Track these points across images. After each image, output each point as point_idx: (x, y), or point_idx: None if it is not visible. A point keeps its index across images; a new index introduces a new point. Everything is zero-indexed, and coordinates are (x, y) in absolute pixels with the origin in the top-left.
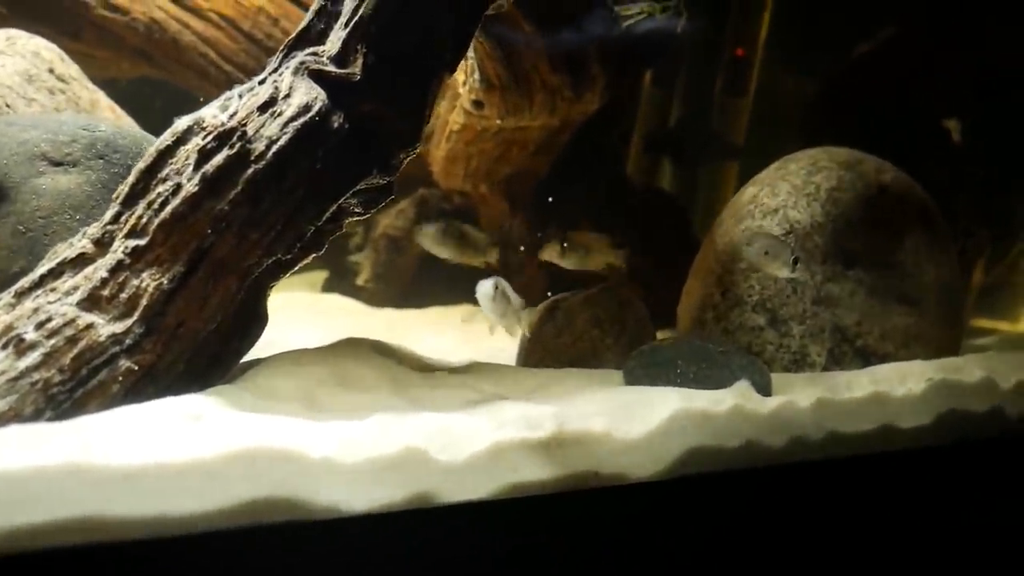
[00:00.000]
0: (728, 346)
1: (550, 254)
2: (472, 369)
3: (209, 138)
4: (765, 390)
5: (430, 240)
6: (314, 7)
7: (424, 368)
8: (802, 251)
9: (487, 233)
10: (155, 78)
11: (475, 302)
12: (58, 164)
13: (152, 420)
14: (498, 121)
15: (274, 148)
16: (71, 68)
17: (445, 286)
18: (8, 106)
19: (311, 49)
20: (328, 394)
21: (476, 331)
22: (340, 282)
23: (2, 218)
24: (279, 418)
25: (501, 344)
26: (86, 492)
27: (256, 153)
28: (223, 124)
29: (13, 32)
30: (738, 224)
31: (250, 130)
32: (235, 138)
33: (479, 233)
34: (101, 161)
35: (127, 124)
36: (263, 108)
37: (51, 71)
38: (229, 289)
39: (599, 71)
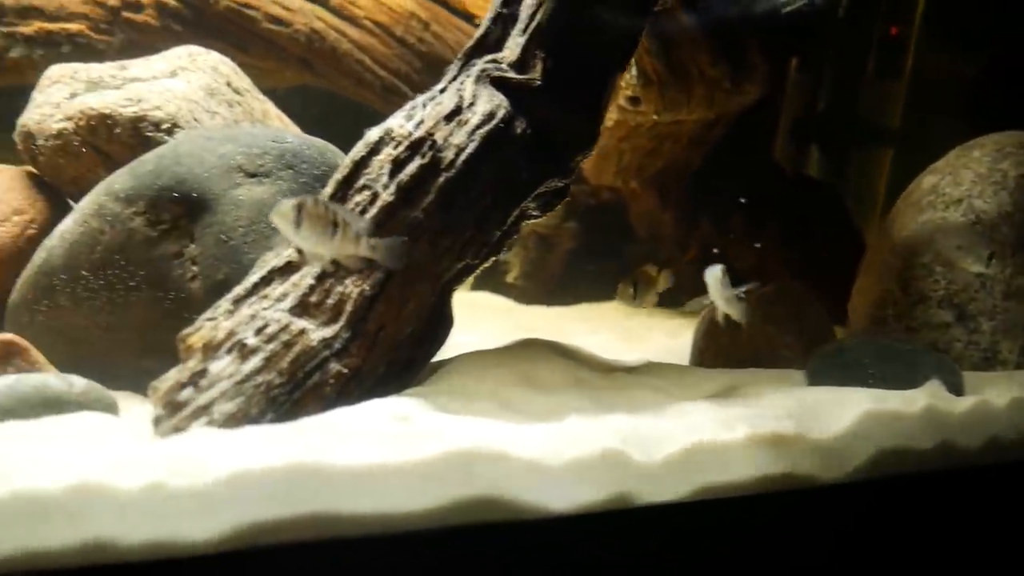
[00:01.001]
0: (914, 344)
1: (624, 297)
2: (650, 369)
3: (401, 148)
4: (957, 389)
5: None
6: (490, 14)
7: (603, 368)
8: (991, 243)
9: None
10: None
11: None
12: (252, 176)
13: (365, 421)
14: (654, 117)
15: (463, 156)
16: (244, 80)
17: (591, 283)
18: (196, 120)
19: (490, 56)
20: (518, 396)
21: (631, 327)
22: (489, 280)
23: (206, 228)
24: (482, 420)
25: (662, 341)
26: (317, 491)
27: (446, 161)
28: (410, 134)
29: (193, 49)
30: (918, 216)
31: (439, 139)
32: (426, 147)
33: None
34: (290, 171)
35: (295, 132)
36: (449, 117)
37: (228, 84)
38: (423, 294)
39: (759, 60)
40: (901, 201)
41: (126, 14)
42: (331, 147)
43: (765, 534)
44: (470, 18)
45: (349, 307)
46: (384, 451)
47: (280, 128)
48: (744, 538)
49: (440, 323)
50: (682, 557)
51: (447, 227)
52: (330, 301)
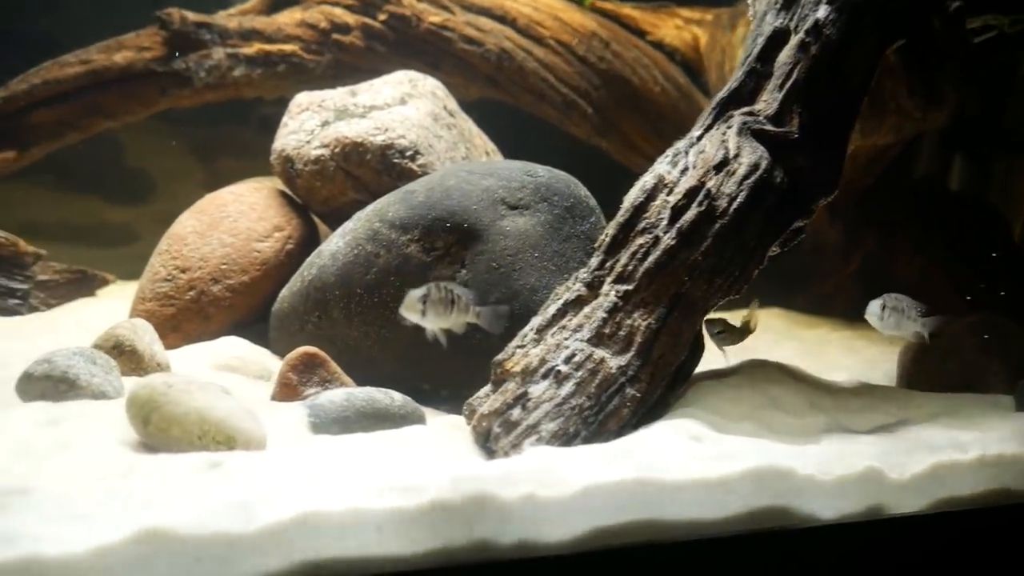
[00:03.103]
0: None
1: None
2: (871, 392)
3: (679, 196)
4: None
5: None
6: (744, 68)
7: (828, 390)
8: None
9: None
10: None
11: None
12: (514, 208)
13: (668, 441)
14: None
15: (734, 205)
16: (452, 102)
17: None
18: (430, 145)
19: (746, 108)
20: (771, 417)
21: (804, 338)
22: None
23: (477, 255)
24: (757, 440)
25: (840, 358)
26: (649, 501)
27: (720, 209)
28: (676, 180)
29: (412, 74)
30: None
31: (712, 188)
32: (701, 196)
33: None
34: (545, 204)
35: (491, 148)
36: (719, 168)
37: (445, 108)
38: (695, 326)
39: (951, 91)
40: None
41: (336, 36)
42: (573, 179)
43: (994, 543)
44: (643, 34)
45: (638, 338)
46: (695, 467)
47: (529, 164)
48: (976, 544)
49: (697, 348)
50: (924, 562)
51: (720, 268)
52: (621, 333)
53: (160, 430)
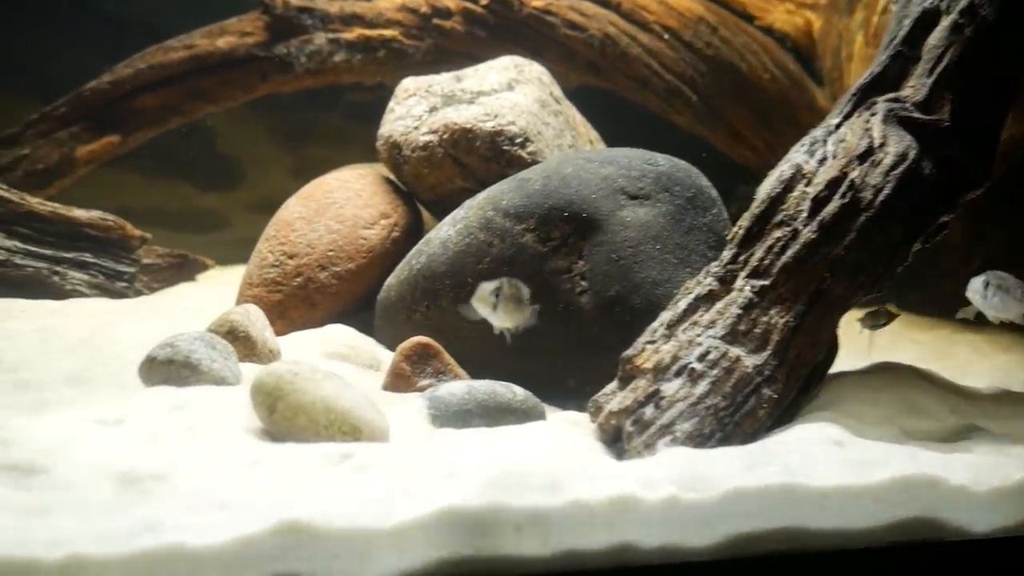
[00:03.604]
0: None
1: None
2: (1014, 400)
3: (819, 187)
4: None
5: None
6: (889, 52)
7: (967, 395)
8: None
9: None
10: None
11: None
12: (634, 197)
13: (807, 445)
14: None
15: (881, 196)
16: (557, 88)
17: None
18: (539, 132)
19: (892, 95)
20: (912, 422)
21: (924, 341)
22: None
23: (596, 247)
24: (900, 447)
25: (971, 359)
26: (791, 508)
27: (865, 201)
28: (815, 170)
29: (517, 59)
30: None
31: (856, 179)
32: (844, 187)
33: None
34: (666, 194)
35: (594, 136)
36: (863, 157)
37: (551, 94)
38: (834, 324)
39: None
40: None
41: (436, 20)
42: (694, 169)
43: None
44: (751, 19)
45: (775, 336)
46: (839, 473)
47: (647, 152)
48: None
49: (831, 350)
50: None
51: (864, 264)
52: (757, 330)
53: (286, 418)
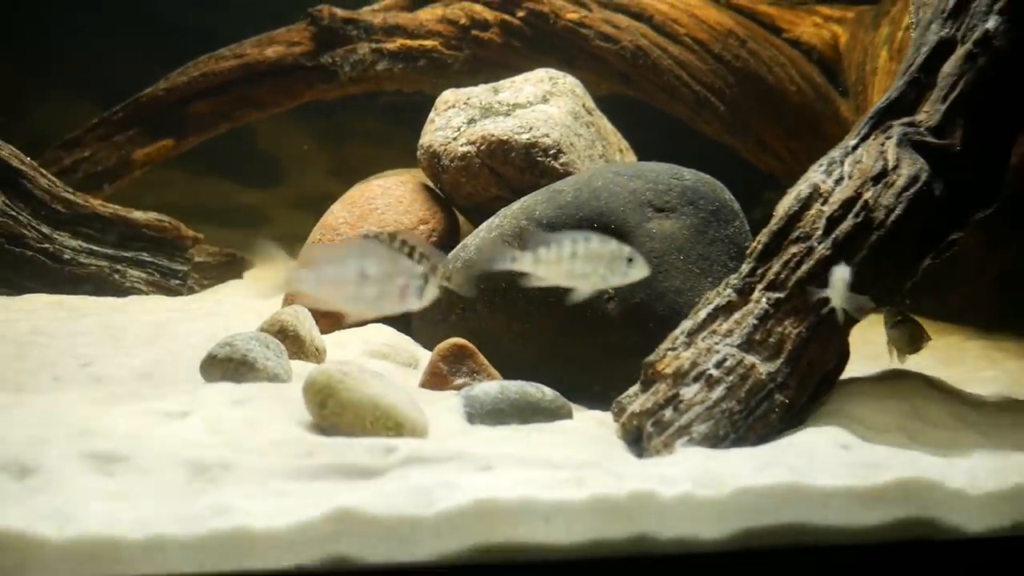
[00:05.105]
0: None
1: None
2: (1018, 407)
3: (835, 206)
4: None
5: None
6: (905, 78)
7: (974, 403)
8: None
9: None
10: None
11: None
12: (660, 210)
13: (815, 447)
14: None
15: (892, 216)
16: (589, 99)
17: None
18: (571, 144)
19: (907, 119)
20: (917, 428)
21: (936, 348)
22: None
23: None
24: (904, 452)
25: (981, 367)
26: (796, 505)
27: (877, 221)
28: (831, 189)
29: (552, 72)
30: None
31: (870, 199)
32: (858, 207)
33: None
34: (691, 207)
35: (625, 146)
36: (876, 179)
37: (583, 106)
38: (845, 335)
39: None
40: None
41: (475, 32)
42: (719, 183)
43: None
44: (779, 32)
45: (788, 345)
46: (843, 475)
47: (675, 166)
48: None
49: (842, 358)
50: None
51: (874, 279)
52: (772, 340)
53: (335, 414)
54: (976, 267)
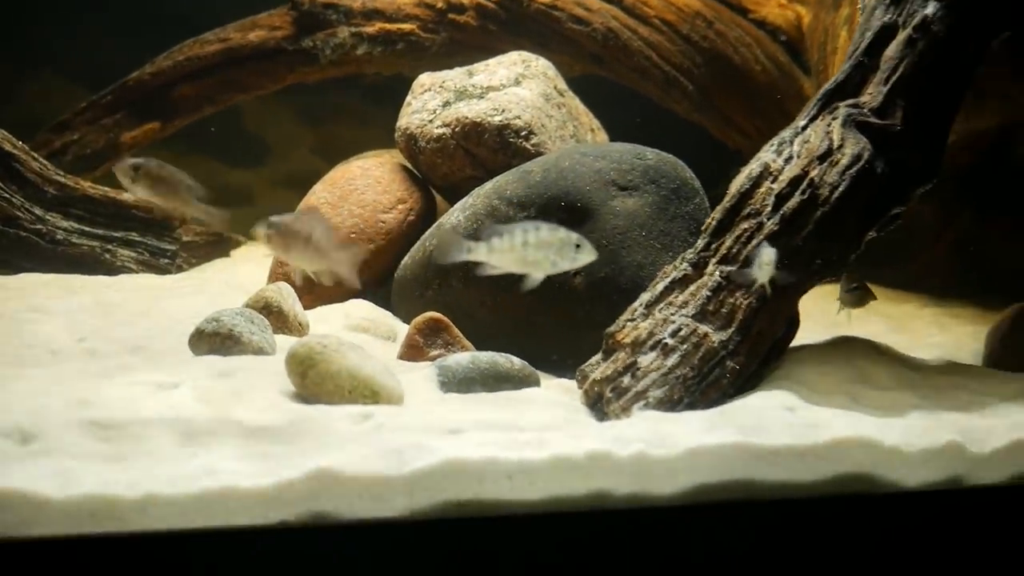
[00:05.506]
0: None
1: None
2: (955, 371)
3: (783, 184)
4: None
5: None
6: (851, 62)
7: (917, 367)
8: None
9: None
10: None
11: None
12: (624, 189)
13: (763, 410)
14: None
15: (836, 193)
16: (561, 81)
17: None
18: (543, 125)
19: (852, 101)
20: (860, 391)
21: (895, 316)
22: None
23: (588, 233)
24: (846, 412)
25: (931, 333)
26: (746, 463)
27: (822, 198)
28: (781, 168)
29: (525, 55)
30: None
31: (815, 177)
32: (804, 184)
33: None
34: (653, 186)
35: (596, 125)
36: (822, 158)
37: (555, 88)
38: (792, 304)
39: None
40: None
41: (451, 15)
42: (680, 162)
43: None
44: (745, 12)
45: (739, 315)
46: (788, 435)
47: (639, 146)
48: None
49: (792, 325)
50: (1003, 527)
51: (819, 252)
52: (724, 310)
53: (315, 384)
54: (932, 235)
